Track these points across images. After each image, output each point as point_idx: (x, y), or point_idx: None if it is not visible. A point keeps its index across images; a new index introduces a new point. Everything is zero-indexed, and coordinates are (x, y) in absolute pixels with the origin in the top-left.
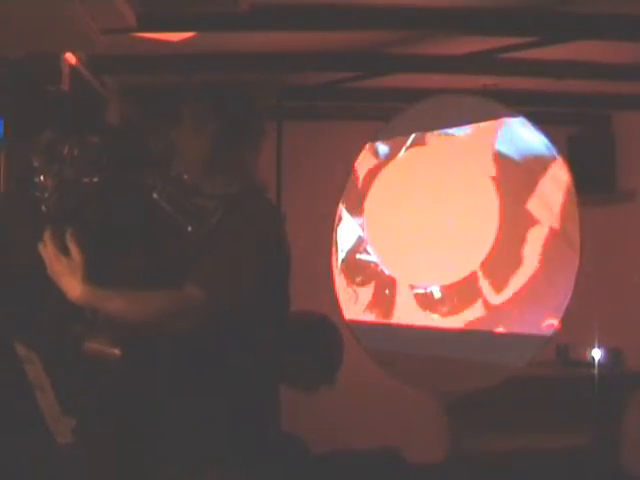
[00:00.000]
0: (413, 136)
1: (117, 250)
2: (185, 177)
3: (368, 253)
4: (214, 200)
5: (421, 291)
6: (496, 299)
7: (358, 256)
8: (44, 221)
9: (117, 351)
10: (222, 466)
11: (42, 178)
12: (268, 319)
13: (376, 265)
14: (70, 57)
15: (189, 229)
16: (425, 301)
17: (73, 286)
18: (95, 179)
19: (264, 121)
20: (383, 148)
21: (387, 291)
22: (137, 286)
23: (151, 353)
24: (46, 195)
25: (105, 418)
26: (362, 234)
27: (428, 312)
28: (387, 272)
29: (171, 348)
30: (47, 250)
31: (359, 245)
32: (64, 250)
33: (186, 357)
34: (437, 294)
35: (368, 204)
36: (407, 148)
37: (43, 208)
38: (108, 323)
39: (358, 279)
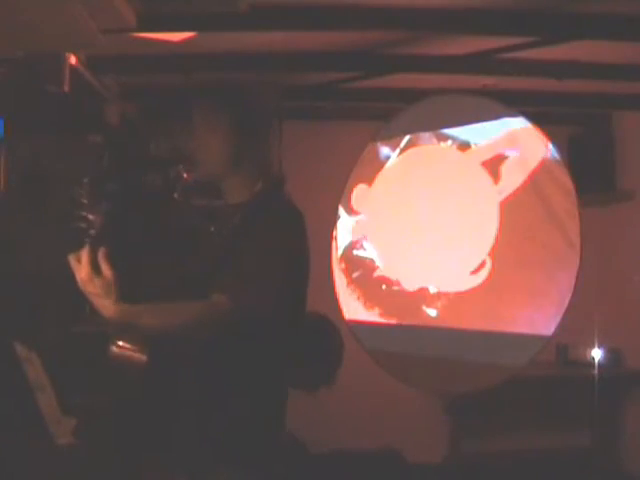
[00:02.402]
0: (408, 137)
1: (147, 259)
2: (200, 177)
3: (365, 249)
4: (234, 199)
5: (417, 287)
6: (495, 299)
7: (355, 252)
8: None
9: (143, 356)
10: (237, 467)
11: (90, 216)
12: (290, 323)
13: (372, 261)
14: (70, 57)
15: (212, 229)
16: (421, 296)
17: (107, 306)
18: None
19: (272, 116)
20: (383, 148)
21: (384, 287)
22: (168, 294)
23: (174, 358)
24: (92, 231)
25: (118, 418)
26: (360, 231)
27: (424, 307)
28: (384, 269)
29: (194, 353)
30: (82, 271)
31: (357, 242)
32: (95, 269)
33: (208, 361)
34: (433, 289)
35: (367, 203)
36: (402, 149)
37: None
38: (133, 330)
39: (355, 275)
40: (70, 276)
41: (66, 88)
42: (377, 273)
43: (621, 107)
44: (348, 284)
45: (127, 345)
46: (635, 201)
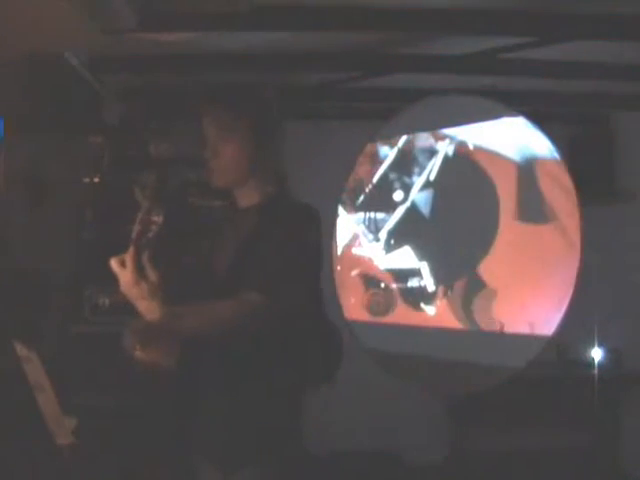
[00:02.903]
0: (405, 137)
1: (184, 264)
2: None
3: (364, 248)
4: (246, 202)
5: (416, 285)
6: (495, 298)
7: (354, 251)
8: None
9: (170, 361)
10: (261, 466)
11: (154, 217)
12: (311, 318)
13: (371, 260)
14: (70, 57)
15: (227, 230)
16: (420, 295)
17: (153, 309)
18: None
19: (280, 117)
20: (383, 148)
21: (382, 284)
22: (197, 295)
23: (201, 358)
24: (150, 234)
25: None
26: (359, 229)
27: (423, 305)
28: (383, 267)
29: (221, 352)
30: (126, 275)
31: (356, 240)
32: (140, 271)
33: (238, 359)
34: (431, 287)
35: (367, 201)
36: (400, 149)
37: (135, 236)
38: (175, 331)
39: (354, 273)
40: (70, 276)
41: (66, 88)
42: (376, 272)
43: (621, 107)
44: (347, 283)
45: (152, 350)
46: (635, 201)
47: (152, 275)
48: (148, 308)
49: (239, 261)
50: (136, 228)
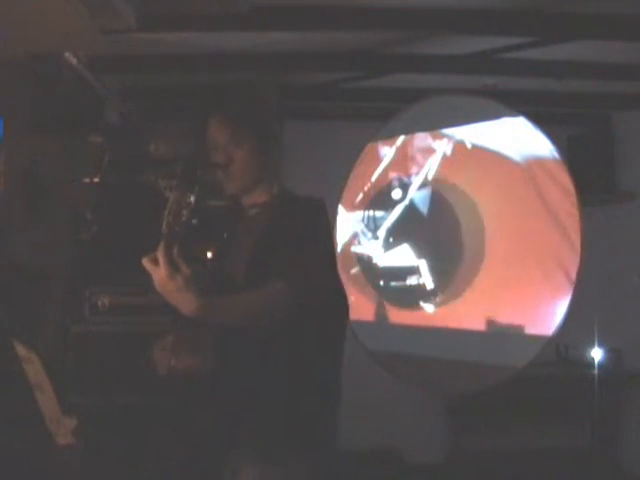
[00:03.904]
0: (403, 137)
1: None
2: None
3: (363, 246)
4: (252, 200)
5: (415, 283)
6: (495, 298)
7: (353, 249)
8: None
9: (206, 367)
10: (298, 460)
11: (183, 211)
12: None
13: (370, 258)
14: (70, 57)
15: (224, 235)
16: (419, 293)
17: (189, 301)
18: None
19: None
20: (383, 148)
21: (381, 282)
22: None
23: (237, 356)
24: (176, 228)
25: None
26: (358, 228)
27: (422, 303)
28: (382, 265)
29: (256, 348)
30: (160, 271)
31: (355, 239)
32: (173, 266)
33: (269, 352)
34: (430, 285)
35: (366, 200)
36: (398, 148)
37: (165, 229)
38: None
39: (354, 271)
40: (69, 276)
41: (66, 88)
42: (375, 270)
43: (621, 107)
44: (347, 281)
45: (187, 358)
46: (635, 201)
47: (185, 268)
48: (184, 300)
49: (257, 257)
50: (166, 220)
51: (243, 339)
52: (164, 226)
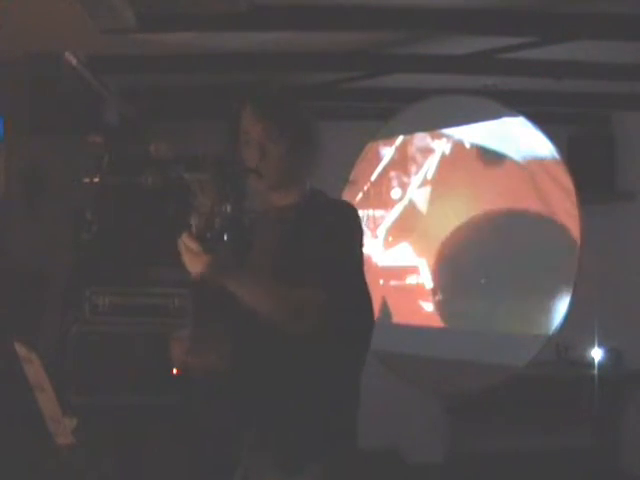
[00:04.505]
0: (402, 137)
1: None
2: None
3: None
4: (282, 202)
5: (414, 282)
6: (495, 297)
7: None
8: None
9: (221, 366)
10: (323, 465)
11: (216, 219)
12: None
13: (369, 257)
14: (70, 57)
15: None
16: (418, 292)
17: (219, 266)
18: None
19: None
20: (383, 148)
21: (381, 281)
22: None
23: (258, 358)
24: (208, 234)
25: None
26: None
27: (421, 302)
28: (381, 265)
29: (279, 349)
30: (193, 250)
31: None
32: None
33: (294, 355)
34: (429, 284)
35: (366, 199)
36: (397, 148)
37: (195, 232)
38: (213, 339)
39: None
40: (70, 276)
41: (66, 88)
42: (374, 269)
43: (621, 107)
44: None
45: (204, 355)
46: (635, 201)
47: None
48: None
49: (286, 258)
50: (196, 223)
51: (263, 338)
52: (193, 228)
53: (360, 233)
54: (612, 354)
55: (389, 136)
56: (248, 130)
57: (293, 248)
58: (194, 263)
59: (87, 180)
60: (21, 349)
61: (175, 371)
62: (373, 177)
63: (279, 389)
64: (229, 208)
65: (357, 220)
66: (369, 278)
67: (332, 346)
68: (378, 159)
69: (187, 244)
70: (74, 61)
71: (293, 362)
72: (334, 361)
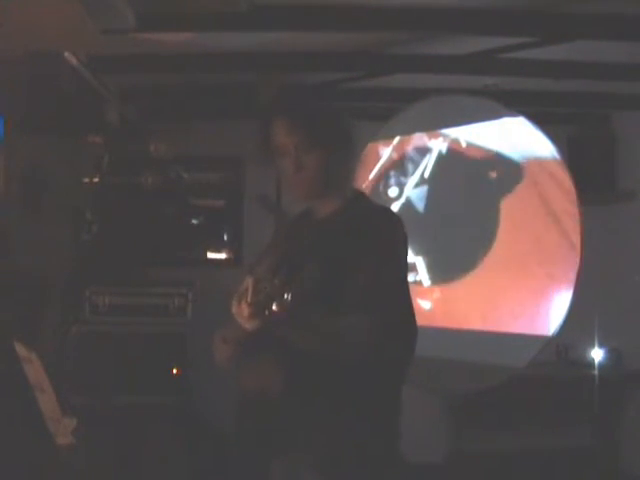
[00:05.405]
0: (402, 137)
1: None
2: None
3: None
4: (321, 213)
5: (411, 280)
6: (494, 297)
7: None
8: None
9: (278, 386)
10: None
11: (275, 301)
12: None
13: None
14: (70, 57)
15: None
16: (415, 290)
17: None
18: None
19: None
20: (383, 148)
21: None
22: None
23: (307, 377)
24: (267, 312)
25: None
26: None
27: (419, 300)
28: None
29: (326, 368)
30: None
31: None
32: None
33: (339, 373)
34: (427, 283)
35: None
36: (395, 147)
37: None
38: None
39: None
40: (70, 276)
41: (66, 88)
42: None
43: (621, 107)
44: None
45: (257, 377)
46: (635, 201)
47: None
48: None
49: (330, 270)
50: (253, 302)
51: (312, 364)
52: (248, 297)
53: (404, 243)
54: (612, 354)
55: (389, 136)
56: (281, 143)
57: (336, 258)
58: (246, 323)
59: (87, 180)
60: (21, 349)
61: (175, 371)
62: (371, 176)
63: (323, 407)
64: (290, 297)
65: (401, 229)
66: None
67: (379, 365)
68: (378, 159)
69: (241, 313)
70: (74, 61)
71: (342, 385)
72: (381, 378)
